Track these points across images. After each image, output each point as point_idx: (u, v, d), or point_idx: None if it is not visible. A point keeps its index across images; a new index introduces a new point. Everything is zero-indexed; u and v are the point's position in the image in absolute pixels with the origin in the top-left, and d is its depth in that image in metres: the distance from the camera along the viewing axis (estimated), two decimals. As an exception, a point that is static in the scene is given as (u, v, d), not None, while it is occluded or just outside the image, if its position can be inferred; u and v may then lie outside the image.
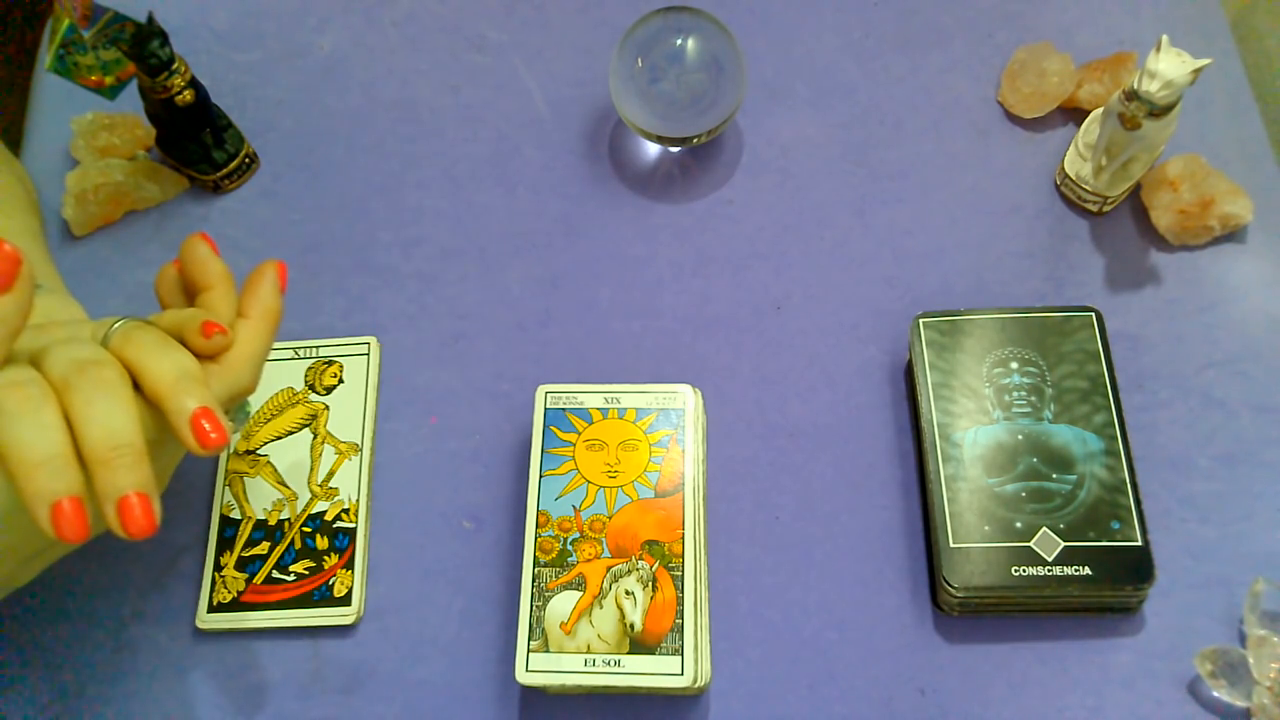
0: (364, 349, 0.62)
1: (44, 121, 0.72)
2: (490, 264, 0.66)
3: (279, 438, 0.60)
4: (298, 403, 0.61)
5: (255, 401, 0.61)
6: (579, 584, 0.52)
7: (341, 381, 0.62)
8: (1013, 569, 0.52)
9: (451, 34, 0.74)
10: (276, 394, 0.61)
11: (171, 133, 0.66)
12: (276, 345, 0.63)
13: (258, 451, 0.60)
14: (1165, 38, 0.56)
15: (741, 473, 0.59)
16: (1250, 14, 0.78)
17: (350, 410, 0.61)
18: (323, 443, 0.60)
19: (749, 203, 0.67)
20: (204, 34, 0.74)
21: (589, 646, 0.51)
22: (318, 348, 0.63)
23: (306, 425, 0.60)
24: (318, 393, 0.61)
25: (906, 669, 0.54)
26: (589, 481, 0.55)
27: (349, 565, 0.57)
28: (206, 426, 0.41)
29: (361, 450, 0.60)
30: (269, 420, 0.61)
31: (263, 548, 0.57)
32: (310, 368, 0.62)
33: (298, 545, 0.57)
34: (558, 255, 0.66)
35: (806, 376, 0.62)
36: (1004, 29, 0.71)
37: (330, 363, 0.62)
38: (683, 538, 0.53)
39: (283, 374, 0.62)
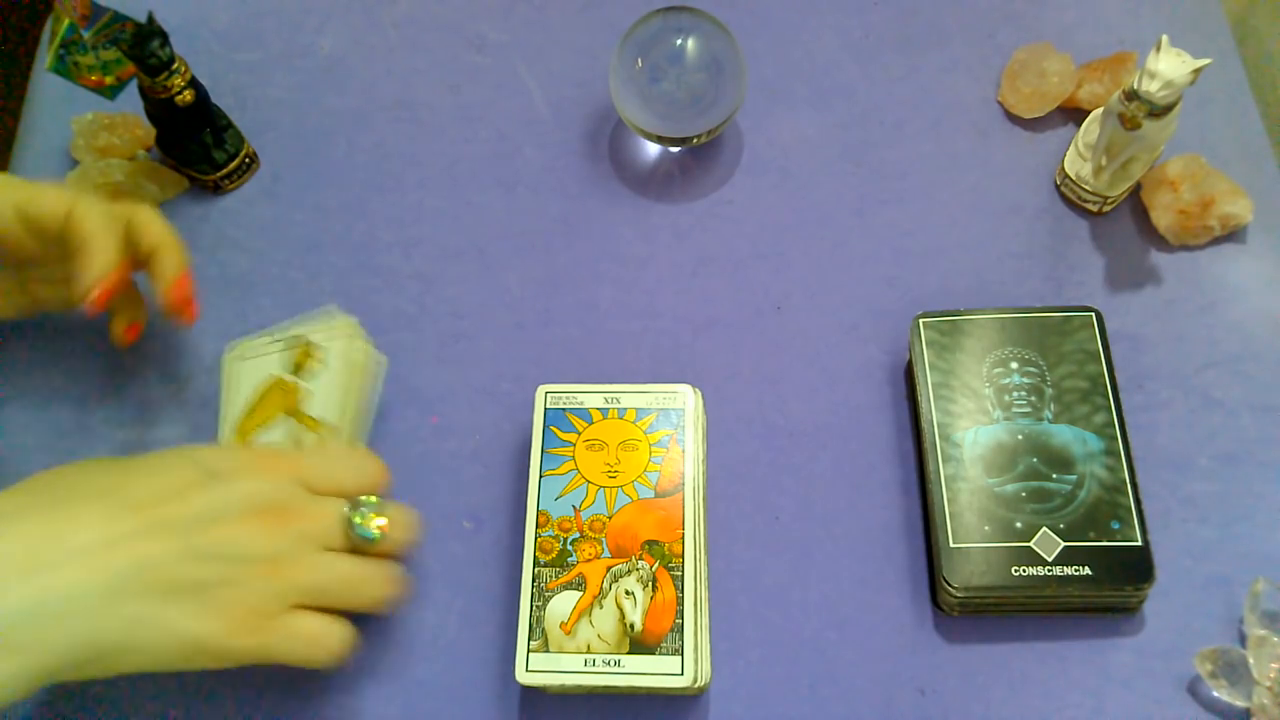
0: (345, 330, 0.60)
1: (44, 121, 0.72)
2: (490, 264, 0.66)
3: (262, 426, 0.59)
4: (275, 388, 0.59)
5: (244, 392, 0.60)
6: (579, 584, 0.52)
7: (323, 364, 0.59)
8: (1013, 569, 0.52)
9: (451, 34, 0.74)
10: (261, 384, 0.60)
11: (171, 133, 0.66)
12: (262, 336, 0.61)
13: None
14: (1165, 38, 0.56)
15: (741, 473, 0.59)
16: (1250, 14, 0.78)
17: (328, 395, 0.58)
18: (303, 429, 0.58)
19: (749, 203, 0.67)
20: (204, 34, 0.74)
21: (589, 646, 0.51)
22: (298, 336, 0.60)
23: (292, 417, 0.58)
24: (299, 377, 0.59)
25: (906, 669, 0.54)
26: (589, 481, 0.55)
27: (349, 565, 0.57)
28: None
29: (340, 431, 0.57)
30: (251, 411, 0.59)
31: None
32: (290, 351, 0.60)
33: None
34: (558, 255, 0.66)
35: (806, 376, 0.62)
36: (1004, 29, 0.71)
37: (310, 345, 0.60)
38: (683, 538, 0.53)
39: (267, 365, 0.60)
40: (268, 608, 0.47)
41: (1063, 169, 0.65)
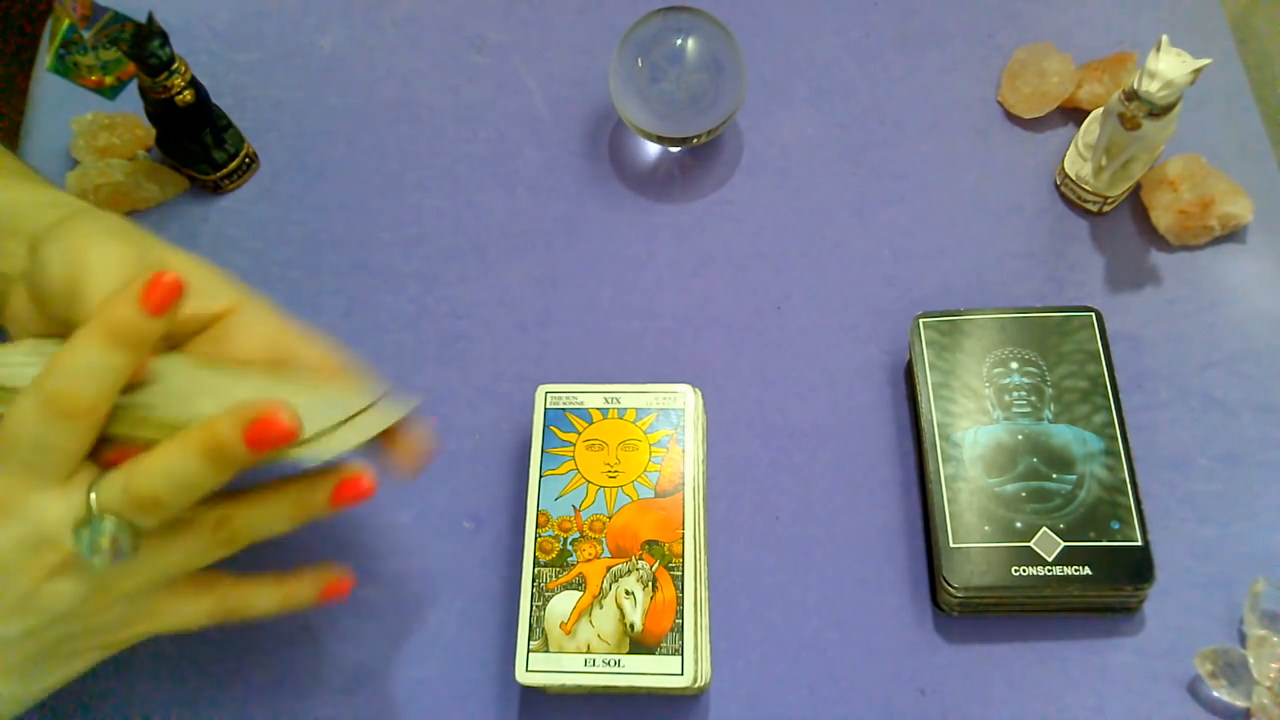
0: None
1: (44, 121, 0.72)
2: (490, 264, 0.66)
3: None
4: None
5: None
6: (579, 584, 0.52)
7: None
8: (1013, 569, 0.52)
9: (451, 34, 0.74)
10: None
11: (171, 133, 0.66)
12: None
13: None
14: (1165, 38, 0.56)
15: (741, 473, 0.59)
16: (1250, 14, 0.78)
17: None
18: None
19: (749, 203, 0.67)
20: (204, 34, 0.74)
21: (589, 646, 0.51)
22: None
23: None
24: None
25: (906, 669, 0.54)
26: (589, 481, 0.55)
27: (349, 565, 0.57)
28: None
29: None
30: None
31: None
32: None
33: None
34: (558, 255, 0.66)
35: (806, 376, 0.62)
36: (1004, 29, 0.71)
37: None
38: (683, 538, 0.53)
39: None
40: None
41: (1063, 169, 0.65)
